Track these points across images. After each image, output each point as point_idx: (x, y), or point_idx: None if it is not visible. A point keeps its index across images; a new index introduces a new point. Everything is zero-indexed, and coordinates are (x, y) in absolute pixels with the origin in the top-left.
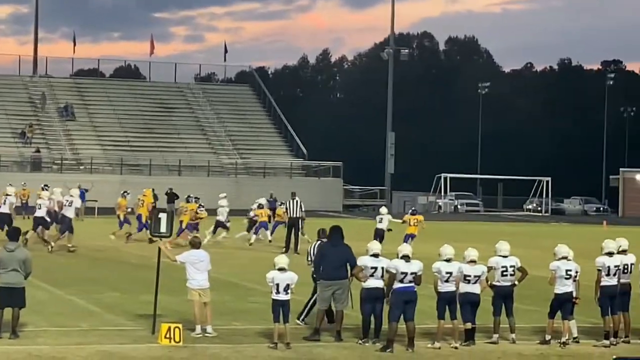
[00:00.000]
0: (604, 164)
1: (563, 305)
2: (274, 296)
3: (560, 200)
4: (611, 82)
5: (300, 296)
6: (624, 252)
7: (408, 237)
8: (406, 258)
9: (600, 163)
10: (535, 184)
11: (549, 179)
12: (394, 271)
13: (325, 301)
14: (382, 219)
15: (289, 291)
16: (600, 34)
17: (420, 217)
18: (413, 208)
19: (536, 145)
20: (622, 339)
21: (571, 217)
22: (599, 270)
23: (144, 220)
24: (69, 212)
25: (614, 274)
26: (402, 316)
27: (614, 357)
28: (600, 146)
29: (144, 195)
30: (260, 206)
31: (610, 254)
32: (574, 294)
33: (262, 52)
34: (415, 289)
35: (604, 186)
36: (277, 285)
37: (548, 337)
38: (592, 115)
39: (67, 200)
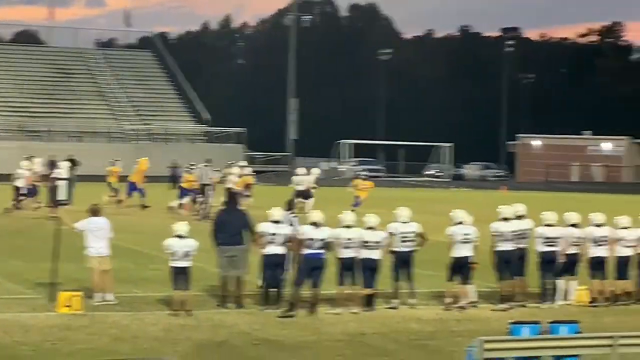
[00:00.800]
0: (502, 130)
1: (461, 269)
2: (172, 263)
3: (460, 166)
4: (510, 49)
5: (201, 262)
6: (520, 217)
7: (357, 200)
8: (315, 224)
9: (499, 129)
10: (435, 149)
11: (450, 144)
12: (301, 237)
13: (223, 267)
14: (301, 181)
15: (188, 258)
16: (499, 1)
17: (371, 183)
18: (364, 174)
19: (437, 112)
20: (518, 303)
21: (471, 182)
22: (494, 235)
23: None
24: None
25: (510, 239)
26: (305, 281)
27: (510, 321)
28: (499, 112)
29: (139, 163)
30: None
31: (505, 219)
32: (470, 259)
33: (165, 17)
34: (324, 256)
35: (503, 152)
36: (175, 252)
37: (448, 301)
38: (492, 82)
39: None
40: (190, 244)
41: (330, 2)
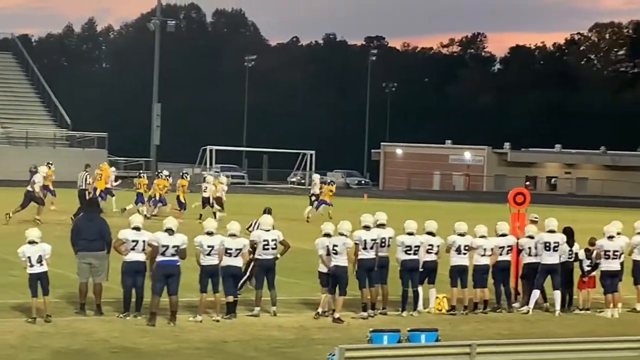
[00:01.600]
0: (366, 138)
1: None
2: (29, 270)
3: (323, 173)
4: (374, 58)
5: (61, 269)
6: (382, 225)
7: (321, 203)
8: (169, 231)
9: (362, 137)
10: (300, 156)
11: (313, 152)
12: (155, 244)
13: (82, 274)
14: (206, 187)
15: (42, 263)
16: (364, 10)
17: (333, 188)
18: (331, 180)
19: (301, 119)
20: (379, 311)
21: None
22: (356, 243)
23: (97, 193)
24: None
25: (371, 247)
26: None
27: (370, 329)
28: (363, 120)
29: (100, 170)
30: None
31: (367, 227)
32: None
33: (26, 19)
34: (178, 263)
35: (366, 160)
36: (29, 258)
37: (321, 310)
38: (356, 90)
39: None
40: (44, 248)
41: (196, 8)
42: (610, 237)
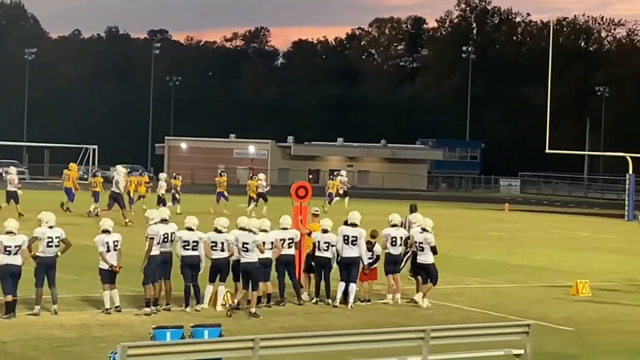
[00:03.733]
0: (150, 132)
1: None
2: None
3: (106, 168)
4: (157, 52)
5: None
6: (164, 220)
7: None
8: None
9: (146, 131)
10: (82, 151)
11: (95, 146)
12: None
13: None
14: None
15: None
16: (147, 3)
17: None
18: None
19: (85, 113)
20: (162, 307)
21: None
22: (151, 238)
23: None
24: None
25: (158, 243)
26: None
27: (154, 326)
28: (147, 114)
29: (69, 170)
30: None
31: (164, 220)
32: (116, 263)
33: None
34: None
35: (150, 154)
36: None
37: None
38: (140, 84)
39: None
40: None
41: None
42: (424, 230)
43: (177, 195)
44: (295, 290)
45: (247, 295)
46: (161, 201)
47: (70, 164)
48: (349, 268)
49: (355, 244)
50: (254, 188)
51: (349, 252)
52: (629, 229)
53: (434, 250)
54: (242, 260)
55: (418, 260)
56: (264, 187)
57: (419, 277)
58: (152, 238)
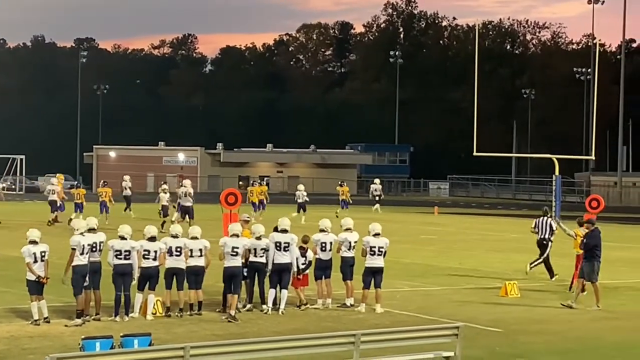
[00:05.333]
0: (78, 140)
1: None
2: None
3: (34, 178)
4: (84, 60)
5: None
6: (92, 230)
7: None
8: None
9: (75, 140)
10: (10, 161)
11: (23, 156)
12: None
13: None
14: (52, 190)
15: None
16: (73, 11)
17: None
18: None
19: (11, 123)
20: (92, 317)
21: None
22: (73, 249)
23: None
24: None
25: (86, 253)
26: None
27: (83, 336)
28: (75, 123)
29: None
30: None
31: (92, 230)
32: (43, 274)
33: None
34: None
35: (79, 163)
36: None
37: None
38: (67, 92)
39: None
40: None
41: None
42: (376, 235)
43: (108, 204)
44: (261, 297)
45: (232, 299)
46: (164, 212)
47: (58, 174)
48: (280, 274)
49: (287, 250)
50: (257, 194)
51: (281, 258)
52: (557, 230)
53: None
54: (227, 264)
55: (372, 265)
56: (191, 195)
57: (349, 282)
58: (74, 248)
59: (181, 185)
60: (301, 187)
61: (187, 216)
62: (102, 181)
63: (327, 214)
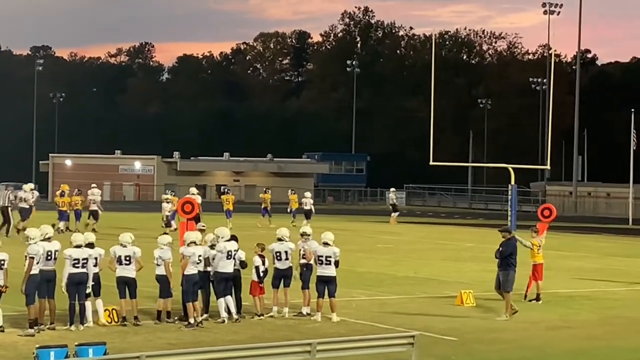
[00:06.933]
0: (34, 149)
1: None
2: None
3: None
4: (40, 68)
5: None
6: (48, 239)
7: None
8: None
9: (30, 148)
10: None
11: None
12: None
13: None
14: (22, 198)
15: None
16: (29, 19)
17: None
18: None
19: None
20: (47, 326)
21: None
22: (31, 258)
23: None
24: None
25: (39, 262)
26: None
27: (37, 345)
28: (30, 131)
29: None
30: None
31: (48, 239)
32: (2, 282)
33: None
34: None
35: (34, 171)
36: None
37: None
38: (23, 100)
39: None
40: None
41: None
42: (326, 244)
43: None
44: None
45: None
46: (168, 223)
47: (62, 185)
48: (225, 282)
49: (231, 258)
50: (232, 202)
51: (228, 267)
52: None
53: (337, 264)
54: (191, 272)
55: (323, 274)
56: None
57: (307, 291)
58: (32, 257)
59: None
60: (308, 194)
61: None
62: (75, 189)
63: (285, 223)
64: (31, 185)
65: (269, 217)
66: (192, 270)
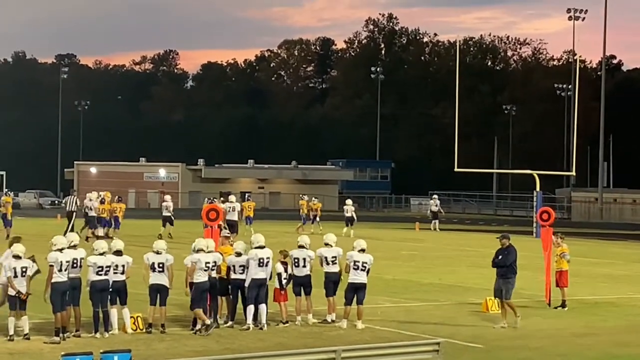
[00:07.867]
0: (59, 157)
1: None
2: None
3: (15, 194)
4: (65, 76)
5: None
6: (74, 247)
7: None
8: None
9: (55, 156)
10: None
11: (4, 172)
12: None
13: None
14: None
15: None
16: (54, 28)
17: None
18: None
19: None
20: (72, 334)
21: (27, 210)
22: (51, 265)
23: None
24: None
25: (65, 270)
26: None
27: (63, 353)
28: (56, 139)
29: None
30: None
31: (61, 250)
32: (24, 290)
33: None
34: None
35: (60, 179)
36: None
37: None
38: (48, 109)
39: None
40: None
41: None
42: (361, 250)
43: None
44: (214, 311)
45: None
46: (167, 220)
47: (104, 192)
48: (258, 290)
49: (266, 266)
50: (253, 208)
51: (260, 273)
52: (537, 246)
53: (368, 271)
54: (201, 279)
55: (355, 280)
56: (170, 209)
57: (331, 299)
58: (52, 265)
59: (163, 201)
60: (349, 201)
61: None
62: (116, 197)
63: (307, 230)
64: (96, 194)
65: (311, 224)
66: (201, 277)
